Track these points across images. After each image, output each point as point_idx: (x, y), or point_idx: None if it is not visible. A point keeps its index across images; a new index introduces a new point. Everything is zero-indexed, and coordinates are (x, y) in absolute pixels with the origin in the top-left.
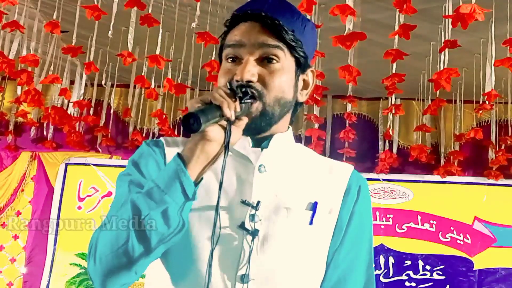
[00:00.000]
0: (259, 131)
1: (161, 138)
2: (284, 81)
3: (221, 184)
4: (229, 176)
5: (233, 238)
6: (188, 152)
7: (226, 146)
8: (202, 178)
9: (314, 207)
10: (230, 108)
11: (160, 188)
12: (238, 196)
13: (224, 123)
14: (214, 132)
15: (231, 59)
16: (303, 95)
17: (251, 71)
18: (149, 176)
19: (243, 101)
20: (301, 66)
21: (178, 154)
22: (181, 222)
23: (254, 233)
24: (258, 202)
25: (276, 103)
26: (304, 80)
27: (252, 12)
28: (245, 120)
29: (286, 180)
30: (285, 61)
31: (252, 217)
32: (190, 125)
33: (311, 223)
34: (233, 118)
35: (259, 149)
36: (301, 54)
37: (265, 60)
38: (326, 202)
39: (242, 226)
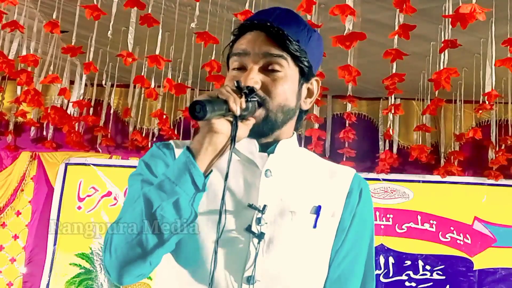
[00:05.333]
0: (261, 135)
1: (171, 141)
2: (286, 89)
3: (227, 174)
4: (236, 180)
5: (239, 240)
6: (196, 145)
7: (232, 138)
8: (211, 171)
9: (318, 210)
10: (236, 103)
11: (171, 180)
12: (245, 200)
13: (230, 118)
14: (221, 124)
15: (237, 67)
16: (307, 103)
17: (254, 78)
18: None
19: (249, 99)
20: (305, 75)
21: (187, 147)
22: (193, 213)
23: (260, 236)
24: (265, 206)
25: (279, 110)
26: (308, 88)
27: (258, 22)
28: (252, 120)
29: (291, 185)
30: (288, 70)
31: (259, 221)
32: (196, 113)
33: (315, 226)
34: (238, 112)
35: (266, 154)
36: (305, 64)
37: (268, 69)
38: (329, 205)
39: (248, 229)
